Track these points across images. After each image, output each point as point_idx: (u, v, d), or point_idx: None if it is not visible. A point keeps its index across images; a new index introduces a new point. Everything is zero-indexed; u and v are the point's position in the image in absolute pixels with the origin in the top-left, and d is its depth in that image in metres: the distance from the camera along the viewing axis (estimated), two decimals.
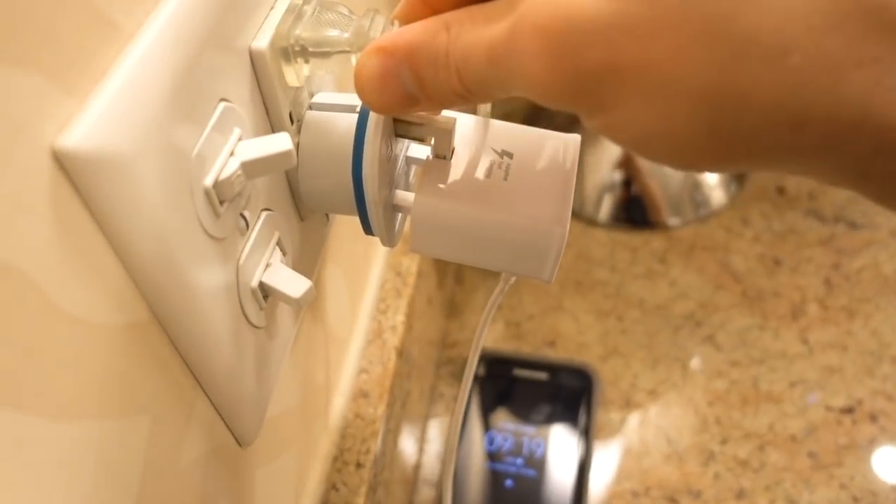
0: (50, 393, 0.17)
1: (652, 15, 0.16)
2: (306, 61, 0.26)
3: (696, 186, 0.73)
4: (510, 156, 0.30)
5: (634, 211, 0.73)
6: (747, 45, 0.15)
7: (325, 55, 0.26)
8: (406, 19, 0.22)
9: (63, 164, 0.17)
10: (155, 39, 0.20)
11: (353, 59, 0.26)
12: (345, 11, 0.26)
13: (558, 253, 0.28)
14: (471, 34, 0.19)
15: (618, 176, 0.74)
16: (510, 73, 0.18)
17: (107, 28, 0.18)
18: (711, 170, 0.18)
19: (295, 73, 0.26)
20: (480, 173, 0.29)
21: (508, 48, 0.18)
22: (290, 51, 0.26)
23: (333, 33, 0.25)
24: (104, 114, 0.18)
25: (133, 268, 0.20)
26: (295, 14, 0.26)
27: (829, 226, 0.70)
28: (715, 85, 0.15)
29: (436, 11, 0.21)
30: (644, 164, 0.74)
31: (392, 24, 0.25)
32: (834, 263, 0.67)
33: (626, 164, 0.74)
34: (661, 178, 0.73)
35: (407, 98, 0.21)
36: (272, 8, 0.27)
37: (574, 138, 0.31)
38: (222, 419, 0.27)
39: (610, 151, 0.74)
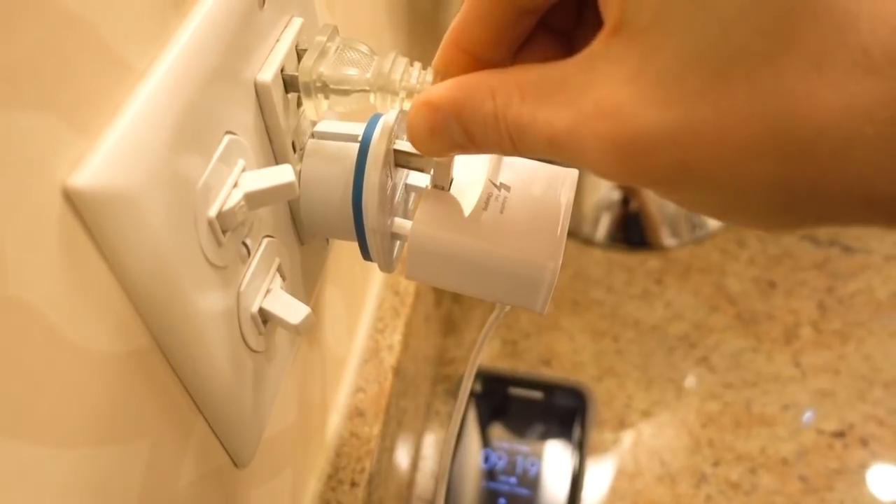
0: (53, 422, 0.18)
1: (717, 117, 0.16)
2: (326, 97, 0.27)
3: None
4: (508, 189, 0.30)
5: (632, 230, 0.74)
6: (812, 142, 0.15)
7: (345, 93, 0.26)
8: (446, 68, 0.23)
9: (73, 201, 0.18)
10: (164, 77, 0.20)
11: (372, 97, 0.26)
12: (366, 50, 0.27)
13: (550, 286, 0.29)
14: (524, 111, 0.19)
15: (616, 195, 0.75)
16: (572, 158, 0.19)
17: (119, 68, 0.19)
18: (786, 232, 0.19)
19: (314, 108, 0.27)
20: (478, 205, 0.30)
21: (571, 141, 0.18)
22: (312, 86, 0.27)
23: (354, 73, 0.26)
24: (113, 152, 0.18)
25: (136, 298, 0.21)
26: (319, 51, 0.27)
27: (824, 249, 0.70)
28: (784, 176, 0.16)
29: (474, 58, 0.22)
30: None
31: (412, 64, 0.26)
32: (828, 287, 0.67)
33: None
34: (659, 199, 0.74)
35: (457, 146, 0.22)
36: (277, 41, 0.27)
37: (571, 173, 0.32)
38: (220, 441, 0.27)
39: None
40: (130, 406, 0.21)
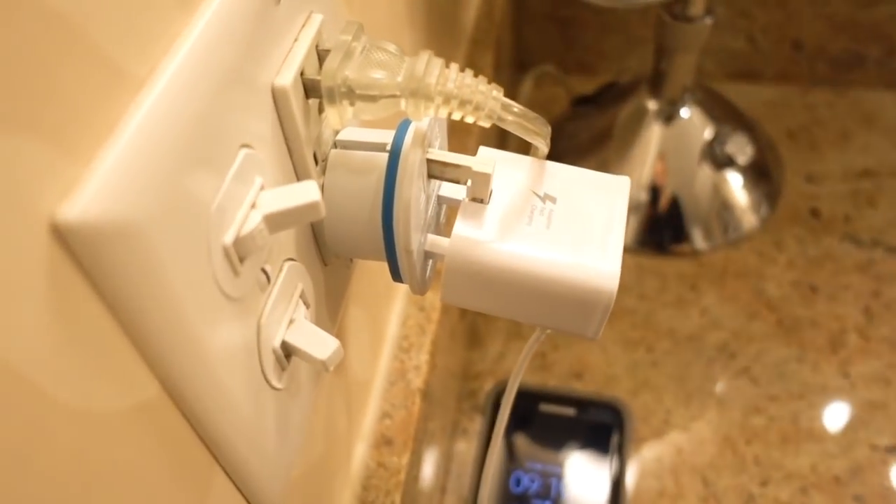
0: (48, 502, 0.15)
1: None
2: (351, 103, 0.24)
3: (725, 207, 0.70)
4: (553, 200, 0.27)
5: (662, 234, 0.70)
6: None
7: (373, 98, 0.23)
8: None
9: (63, 237, 0.15)
10: (169, 85, 0.17)
11: (403, 103, 0.23)
12: (394, 50, 0.24)
13: (605, 311, 0.26)
14: None
15: (644, 196, 0.72)
16: None
17: (115, 76, 0.16)
18: None
19: (339, 115, 0.24)
20: (521, 220, 0.27)
21: None
22: (336, 91, 0.23)
23: (383, 76, 0.23)
24: (110, 177, 0.15)
25: (142, 343, 0.18)
26: (344, 52, 0.23)
27: (867, 250, 0.67)
28: None
29: None
30: (671, 184, 0.71)
31: (448, 66, 0.23)
32: (873, 291, 0.64)
33: (653, 183, 0.71)
34: (689, 198, 0.71)
35: None
36: (296, 40, 0.24)
37: (623, 180, 0.28)
38: (241, 494, 0.24)
39: (637, 171, 0.71)
40: (138, 468, 0.18)
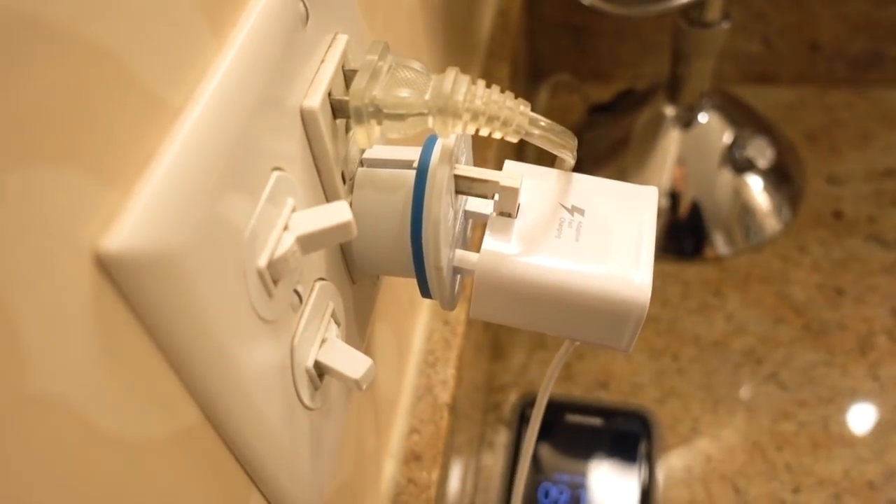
0: None
1: None
2: (379, 123, 0.24)
3: (747, 212, 0.70)
4: (581, 212, 0.27)
5: (683, 240, 0.70)
6: None
7: (401, 117, 0.23)
8: None
9: (106, 268, 0.15)
10: (204, 112, 0.18)
11: (430, 120, 0.23)
12: (419, 68, 0.24)
13: (638, 323, 0.26)
14: None
15: (664, 202, 0.71)
16: None
17: (152, 105, 0.16)
18: None
19: (367, 135, 0.24)
20: (550, 232, 0.26)
21: None
22: (364, 111, 0.23)
23: (410, 94, 0.23)
24: (151, 207, 0.15)
25: (183, 370, 0.18)
26: (370, 72, 0.24)
27: (893, 251, 0.66)
28: None
29: None
30: (691, 190, 0.70)
31: (475, 83, 0.23)
32: None
33: (672, 189, 0.71)
34: (710, 204, 0.70)
35: None
36: (322, 61, 0.24)
37: (651, 190, 0.28)
38: None
39: (656, 177, 0.71)
40: (178, 493, 0.18)
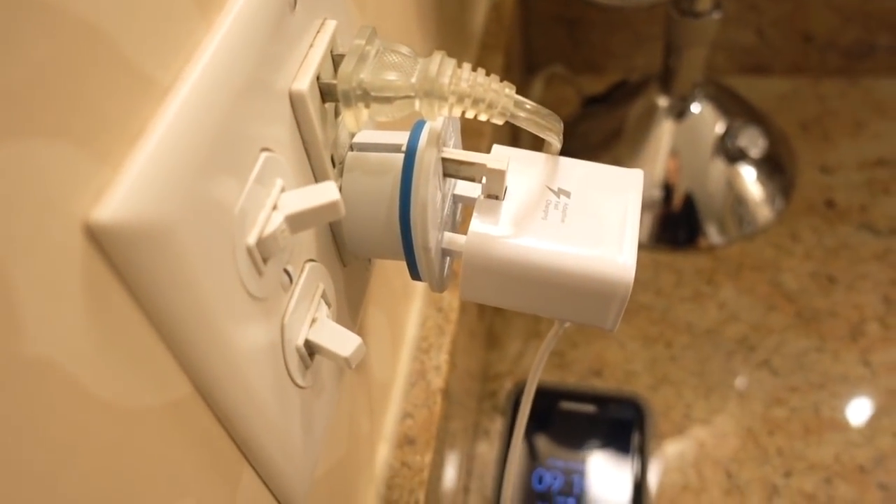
0: (88, 494, 0.15)
1: None
2: (367, 106, 0.24)
3: (739, 202, 0.70)
4: (567, 194, 0.28)
5: (676, 229, 0.70)
6: None
7: (388, 100, 0.24)
8: None
9: (97, 238, 0.15)
10: (192, 92, 0.18)
11: (417, 103, 0.24)
12: (407, 52, 0.25)
13: (623, 301, 0.26)
14: None
15: (657, 193, 0.72)
16: None
17: (142, 84, 0.17)
18: None
19: (355, 118, 0.25)
20: (536, 214, 0.27)
21: None
22: (352, 94, 0.24)
23: (397, 77, 0.24)
24: (140, 180, 0.16)
25: (173, 341, 0.18)
26: (358, 56, 0.24)
27: (884, 239, 0.66)
28: None
29: None
30: (684, 180, 0.71)
31: (460, 66, 0.23)
32: (892, 279, 0.63)
33: (666, 180, 0.72)
34: (703, 194, 0.71)
35: None
36: (311, 46, 0.25)
37: (636, 173, 0.29)
38: (269, 489, 0.25)
39: (649, 168, 0.72)
40: (171, 463, 0.19)
